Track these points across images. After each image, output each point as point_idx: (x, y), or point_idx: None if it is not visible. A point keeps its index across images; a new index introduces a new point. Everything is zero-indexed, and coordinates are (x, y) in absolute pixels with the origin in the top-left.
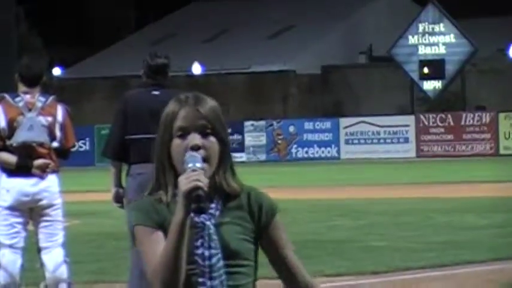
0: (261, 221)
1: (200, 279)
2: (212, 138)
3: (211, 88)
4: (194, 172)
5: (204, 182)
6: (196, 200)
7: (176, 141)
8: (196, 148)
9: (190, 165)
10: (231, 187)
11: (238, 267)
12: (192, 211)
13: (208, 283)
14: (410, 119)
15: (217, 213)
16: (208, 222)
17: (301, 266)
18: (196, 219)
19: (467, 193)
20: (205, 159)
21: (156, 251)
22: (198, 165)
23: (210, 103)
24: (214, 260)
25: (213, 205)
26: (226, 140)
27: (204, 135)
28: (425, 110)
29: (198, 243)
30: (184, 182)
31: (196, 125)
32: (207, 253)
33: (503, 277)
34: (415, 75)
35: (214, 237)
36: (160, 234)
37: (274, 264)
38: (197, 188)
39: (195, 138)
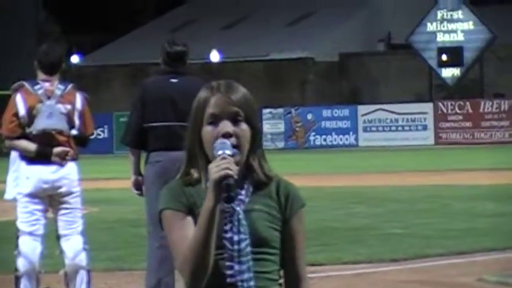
0: (286, 211)
1: (228, 263)
2: (244, 126)
3: (227, 75)
4: (224, 160)
5: (234, 170)
6: (225, 189)
7: (207, 128)
8: (227, 136)
9: (220, 152)
10: (261, 174)
11: (265, 255)
12: (222, 199)
13: (237, 267)
14: (428, 106)
15: (247, 199)
16: (238, 208)
17: (301, 261)
18: (226, 204)
19: (486, 180)
20: (236, 147)
21: (184, 236)
22: (228, 152)
23: (241, 90)
24: (243, 245)
25: (243, 191)
26: (258, 127)
27: (236, 122)
28: (443, 97)
29: (227, 227)
30: (215, 170)
31: (228, 112)
32: (236, 238)
33: None
34: (433, 63)
35: (244, 222)
36: (189, 219)
37: (282, 253)
38: (227, 176)
39: (226, 126)
